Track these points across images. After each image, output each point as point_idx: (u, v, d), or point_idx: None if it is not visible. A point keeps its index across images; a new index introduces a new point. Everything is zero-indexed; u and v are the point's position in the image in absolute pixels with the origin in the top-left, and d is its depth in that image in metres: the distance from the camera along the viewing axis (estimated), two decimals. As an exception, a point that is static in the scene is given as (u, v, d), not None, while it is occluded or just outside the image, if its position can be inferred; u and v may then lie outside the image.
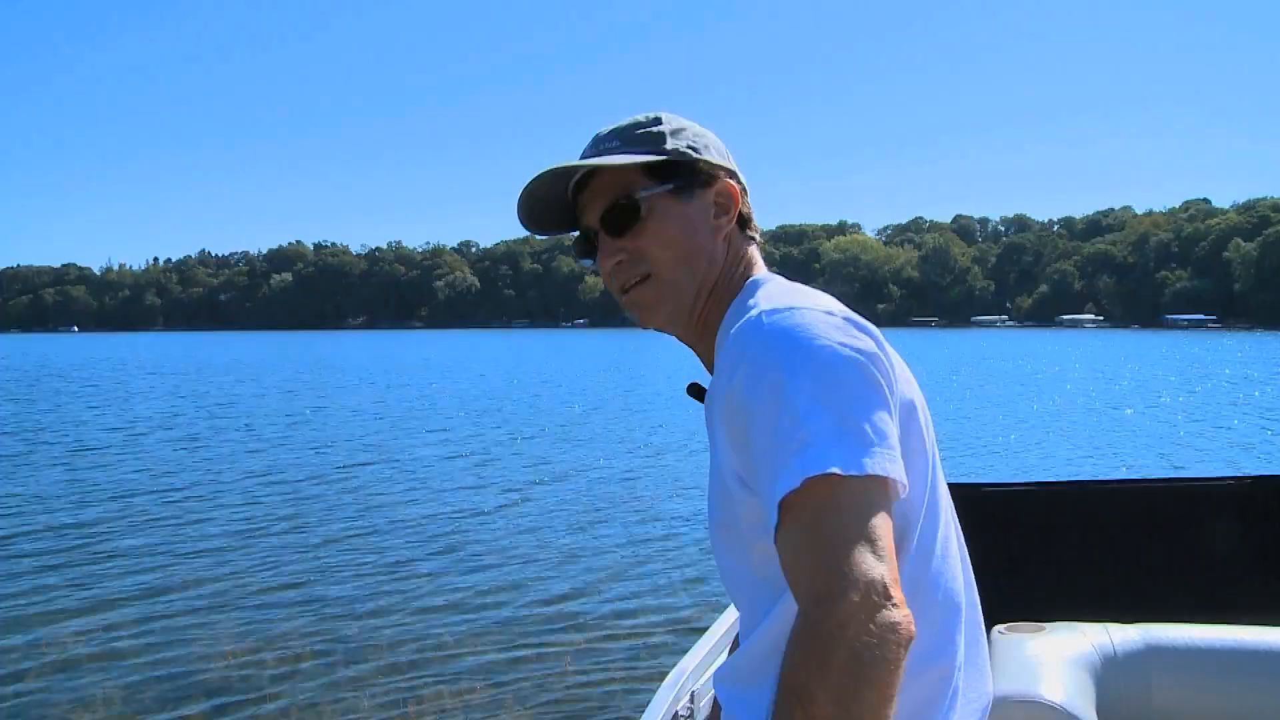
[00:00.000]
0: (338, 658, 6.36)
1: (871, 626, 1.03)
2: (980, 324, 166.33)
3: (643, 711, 2.31)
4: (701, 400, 1.43)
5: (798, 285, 1.40)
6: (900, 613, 1.05)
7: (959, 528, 1.43)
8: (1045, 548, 3.01)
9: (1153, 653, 2.19)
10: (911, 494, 1.24)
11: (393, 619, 7.17)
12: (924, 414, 1.34)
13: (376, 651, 6.47)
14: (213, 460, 15.84)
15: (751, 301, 1.35)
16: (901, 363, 1.34)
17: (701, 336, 1.48)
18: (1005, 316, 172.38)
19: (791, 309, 1.25)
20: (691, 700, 2.45)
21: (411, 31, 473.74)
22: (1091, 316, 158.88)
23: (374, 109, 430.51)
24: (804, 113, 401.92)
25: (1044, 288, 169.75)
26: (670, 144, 1.45)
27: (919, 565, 1.29)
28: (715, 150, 1.49)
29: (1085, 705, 2.01)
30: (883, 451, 1.14)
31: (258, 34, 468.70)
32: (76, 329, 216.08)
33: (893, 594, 1.06)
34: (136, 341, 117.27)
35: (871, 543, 1.08)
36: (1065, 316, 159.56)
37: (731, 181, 1.48)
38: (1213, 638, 2.20)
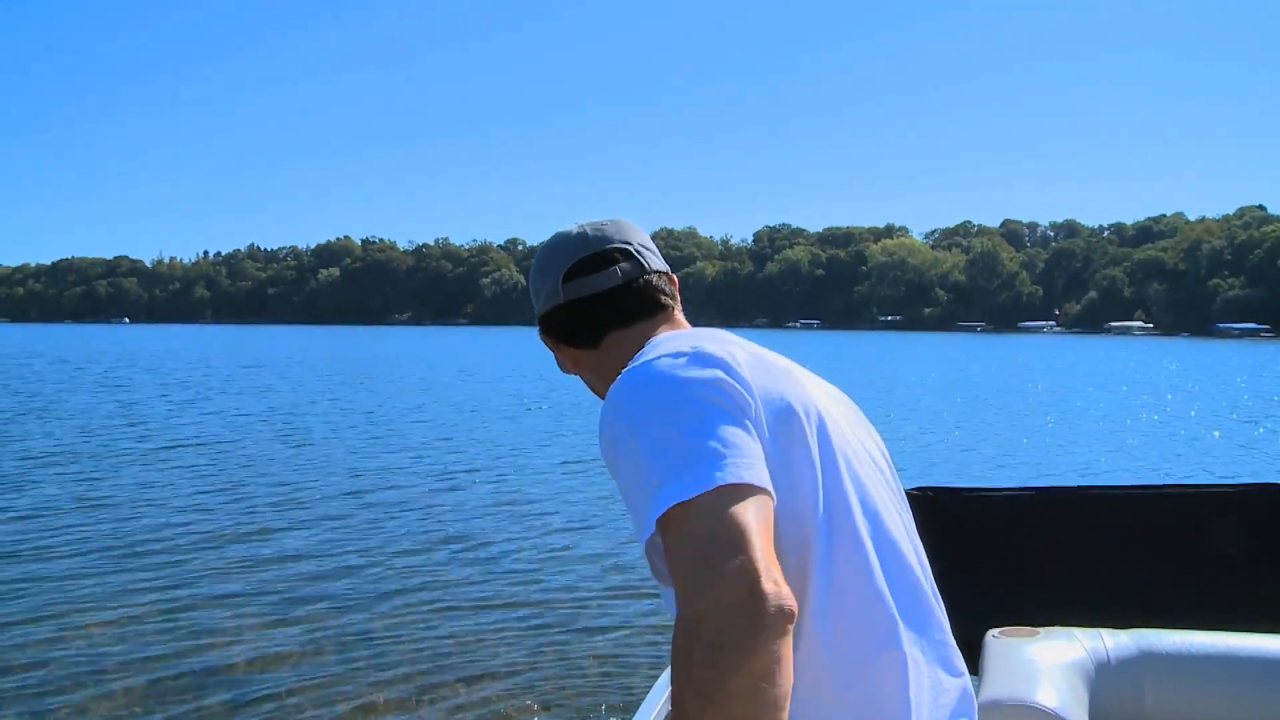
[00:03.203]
0: (353, 650, 6.40)
1: (730, 611, 1.04)
2: (1027, 329, 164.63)
3: (637, 708, 2.32)
4: None
5: (672, 335, 1.47)
6: (767, 586, 1.05)
7: (910, 531, 1.44)
8: (1040, 552, 2.99)
9: (1146, 658, 2.19)
10: (799, 502, 1.28)
11: (403, 611, 7.22)
12: (810, 422, 1.34)
13: (366, 642, 6.54)
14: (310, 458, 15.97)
15: (636, 356, 1.42)
16: (792, 376, 1.39)
17: None
18: (1053, 322, 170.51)
19: (642, 364, 1.33)
20: None
21: (460, 29, 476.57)
22: (1140, 324, 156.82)
23: (424, 106, 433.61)
24: (853, 115, 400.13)
25: (1092, 294, 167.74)
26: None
27: (840, 555, 1.30)
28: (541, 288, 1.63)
29: (1078, 710, 2.02)
30: (729, 463, 1.16)
31: (306, 30, 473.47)
32: (128, 320, 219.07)
33: (757, 572, 1.06)
34: (193, 334, 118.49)
35: (729, 538, 1.10)
36: (1114, 324, 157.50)
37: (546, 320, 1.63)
38: (1206, 644, 2.20)
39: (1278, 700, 2.12)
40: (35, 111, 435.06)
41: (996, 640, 2.26)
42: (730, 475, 1.15)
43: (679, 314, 1.61)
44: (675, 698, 1.05)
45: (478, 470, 14.56)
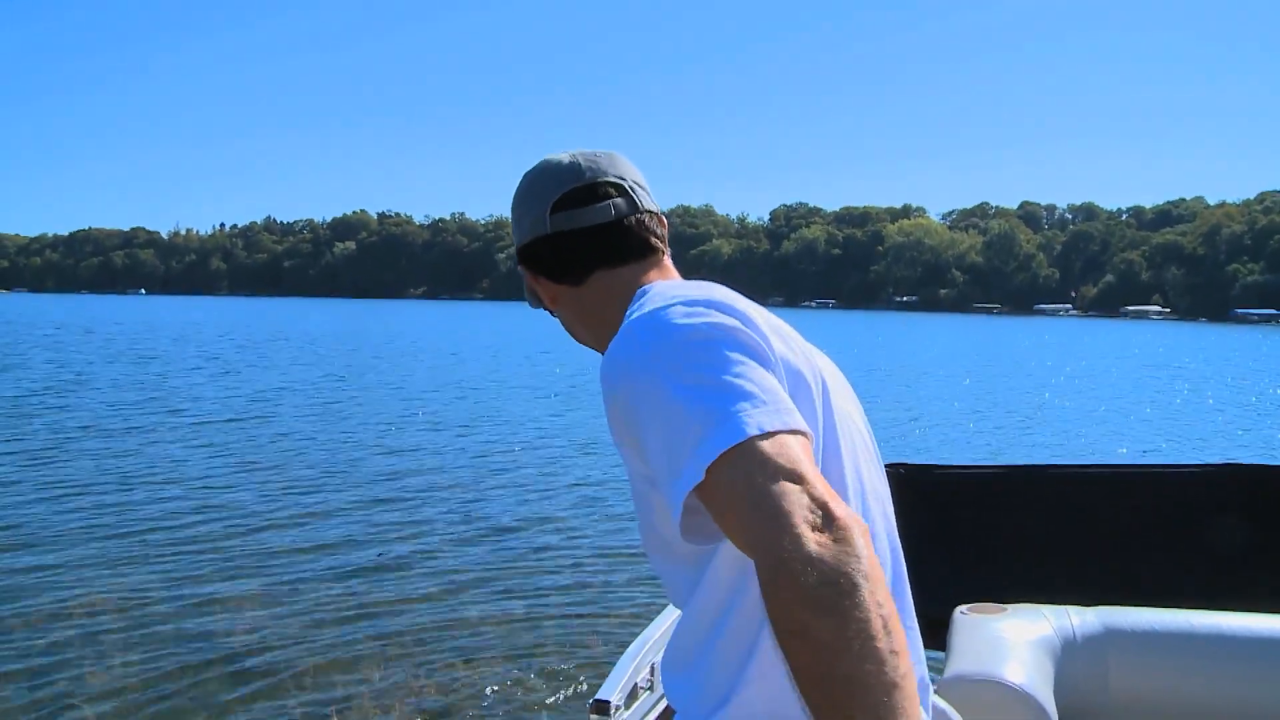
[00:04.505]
0: (356, 630, 6.50)
1: (824, 537, 1.01)
2: (1043, 312, 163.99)
3: (603, 681, 2.32)
4: None
5: (675, 284, 1.40)
6: (842, 509, 1.04)
7: (887, 510, 1.41)
8: (1009, 530, 3.05)
9: (1111, 635, 2.22)
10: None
11: (411, 590, 7.32)
12: (818, 390, 1.31)
13: (371, 619, 6.62)
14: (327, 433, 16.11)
15: (634, 304, 1.37)
16: (800, 344, 1.34)
17: None
18: (1069, 305, 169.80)
19: (651, 312, 1.26)
20: (652, 672, 2.46)
21: (476, 12, 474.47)
22: (1158, 308, 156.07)
23: (440, 82, 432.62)
24: (871, 95, 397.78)
25: (1110, 277, 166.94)
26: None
27: None
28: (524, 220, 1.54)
29: (1044, 686, 2.03)
30: (771, 407, 1.12)
31: (326, 12, 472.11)
32: (144, 291, 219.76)
33: (827, 500, 1.04)
34: (210, 305, 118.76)
35: (790, 473, 1.06)
36: (1130, 307, 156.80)
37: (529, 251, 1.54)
38: (1170, 621, 2.23)
39: (1239, 676, 2.17)
40: (54, 83, 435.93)
41: (965, 617, 2.27)
42: (772, 421, 1.10)
43: (668, 260, 1.53)
44: (789, 629, 0.99)
45: (506, 450, 14.60)
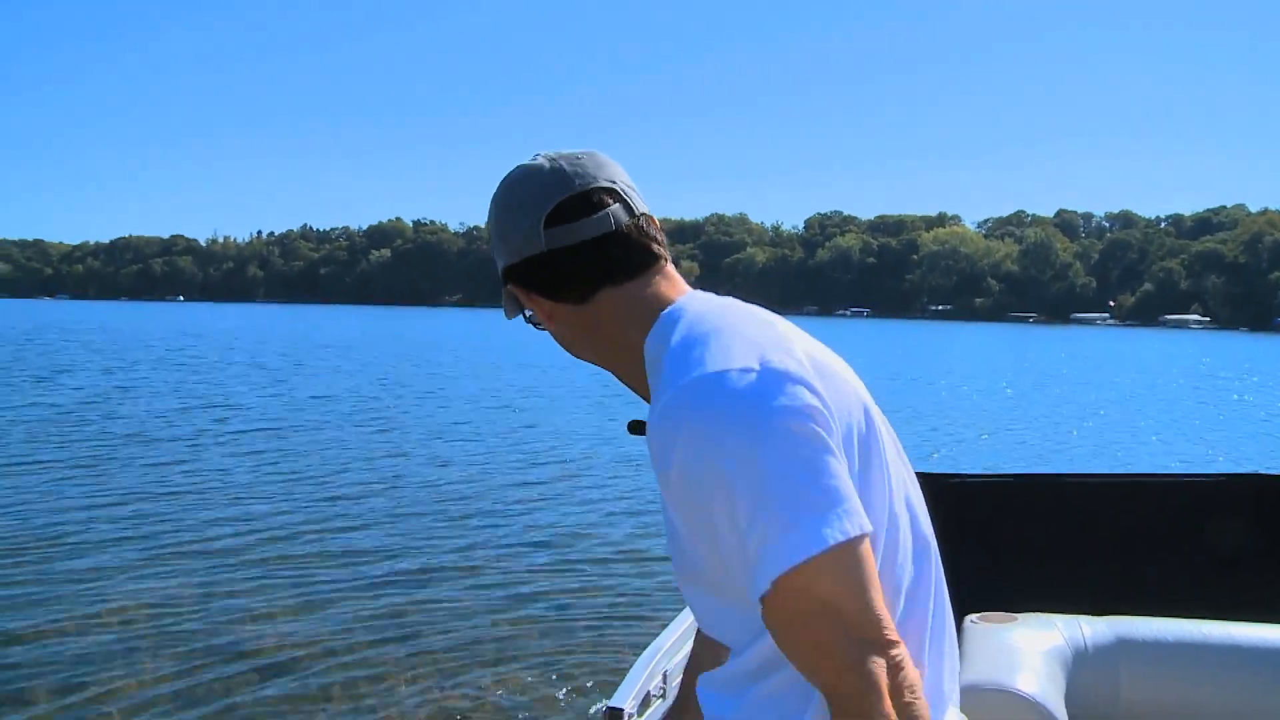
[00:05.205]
0: (378, 637, 6.50)
1: (890, 696, 1.10)
2: (1080, 321, 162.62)
3: (615, 688, 2.32)
4: (644, 435, 1.31)
5: (715, 321, 1.30)
6: (904, 670, 1.11)
7: (926, 517, 1.39)
8: (1020, 539, 3.04)
9: (1122, 645, 2.22)
10: (874, 516, 1.22)
11: (438, 596, 7.32)
12: (877, 420, 1.31)
13: (399, 625, 6.62)
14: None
15: (670, 348, 1.29)
16: (843, 372, 1.31)
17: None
18: (1107, 315, 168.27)
19: (712, 376, 1.19)
20: (664, 680, 2.45)
21: (510, 17, 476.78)
22: (1197, 317, 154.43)
23: (475, 92, 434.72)
24: (907, 103, 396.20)
25: (1148, 286, 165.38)
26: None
27: (883, 579, 1.23)
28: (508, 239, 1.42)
29: (1055, 695, 2.04)
30: (843, 512, 1.12)
31: (363, 16, 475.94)
32: (182, 298, 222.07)
33: (893, 654, 1.11)
34: (248, 313, 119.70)
35: (858, 611, 1.10)
36: (1169, 316, 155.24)
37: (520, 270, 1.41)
38: (1181, 631, 2.22)
39: (1250, 686, 2.15)
40: (97, 96, 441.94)
41: (975, 625, 2.27)
42: (844, 530, 1.11)
43: (671, 266, 1.42)
44: None
45: (539, 461, 14.62)
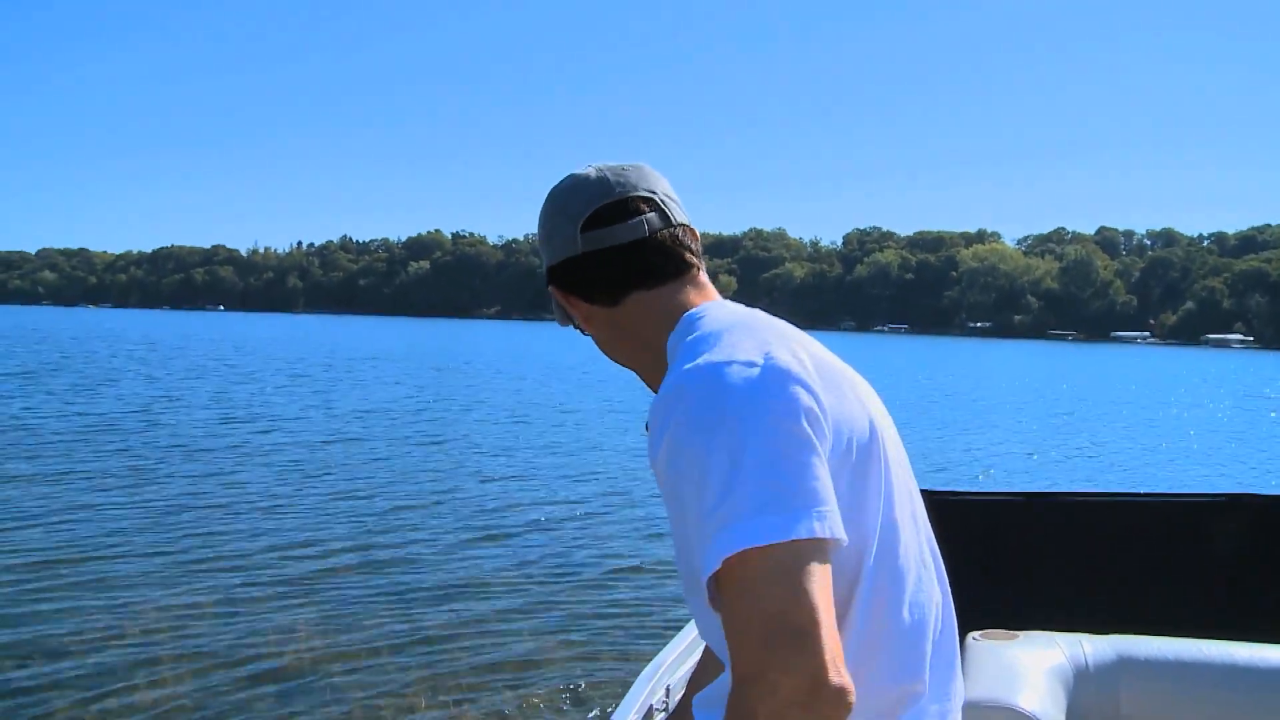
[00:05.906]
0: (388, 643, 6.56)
1: (790, 706, 1.04)
2: (1120, 339, 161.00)
3: (618, 703, 2.31)
4: None
5: (731, 322, 1.34)
6: (831, 687, 1.05)
7: (930, 535, 1.40)
8: (1022, 557, 3.06)
9: (1123, 663, 2.21)
10: (861, 538, 1.23)
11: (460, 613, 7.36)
12: (882, 433, 1.31)
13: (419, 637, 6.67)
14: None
15: (684, 342, 1.34)
16: (853, 384, 1.33)
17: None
18: (1147, 333, 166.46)
19: (713, 366, 1.22)
20: (667, 694, 2.45)
21: (555, 32, 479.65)
22: (1240, 336, 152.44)
23: (517, 105, 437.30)
24: (947, 118, 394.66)
25: (1190, 304, 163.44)
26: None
27: (880, 591, 1.26)
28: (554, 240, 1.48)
29: (1056, 714, 2.04)
30: (807, 510, 1.12)
31: (399, 26, 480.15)
32: (222, 308, 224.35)
33: (824, 665, 1.05)
34: (289, 323, 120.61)
35: (800, 614, 1.07)
36: (1211, 336, 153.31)
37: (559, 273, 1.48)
38: (1182, 650, 2.22)
39: (1251, 706, 2.15)
40: (141, 108, 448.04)
41: (977, 643, 2.26)
42: (808, 527, 1.11)
43: (704, 275, 1.47)
44: None
45: (567, 475, 14.64)
